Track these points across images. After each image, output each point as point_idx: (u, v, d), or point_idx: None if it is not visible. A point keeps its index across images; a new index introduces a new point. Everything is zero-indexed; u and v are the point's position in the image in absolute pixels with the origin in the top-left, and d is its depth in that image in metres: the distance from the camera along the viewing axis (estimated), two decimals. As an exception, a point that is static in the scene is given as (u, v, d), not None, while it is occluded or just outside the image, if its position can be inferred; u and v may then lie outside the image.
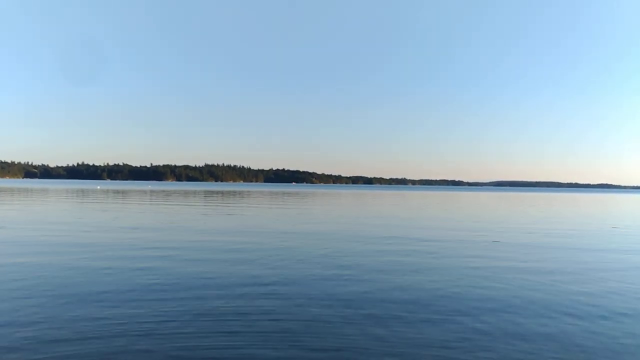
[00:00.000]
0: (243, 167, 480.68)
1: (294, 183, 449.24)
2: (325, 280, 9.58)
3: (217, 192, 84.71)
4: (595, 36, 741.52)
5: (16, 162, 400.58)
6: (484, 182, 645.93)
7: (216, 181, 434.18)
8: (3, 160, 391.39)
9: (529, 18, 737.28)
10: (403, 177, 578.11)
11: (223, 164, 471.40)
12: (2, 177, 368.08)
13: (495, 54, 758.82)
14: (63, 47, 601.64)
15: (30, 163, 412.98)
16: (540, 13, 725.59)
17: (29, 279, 9.37)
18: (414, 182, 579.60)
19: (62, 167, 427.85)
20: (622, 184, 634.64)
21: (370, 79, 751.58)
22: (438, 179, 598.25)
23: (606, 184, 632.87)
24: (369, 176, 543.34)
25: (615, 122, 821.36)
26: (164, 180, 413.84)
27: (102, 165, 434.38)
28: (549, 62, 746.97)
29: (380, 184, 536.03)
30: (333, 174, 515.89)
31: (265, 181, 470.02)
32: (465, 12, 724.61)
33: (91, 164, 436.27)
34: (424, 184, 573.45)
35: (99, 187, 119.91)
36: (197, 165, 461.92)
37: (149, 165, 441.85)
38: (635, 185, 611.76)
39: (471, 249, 14.83)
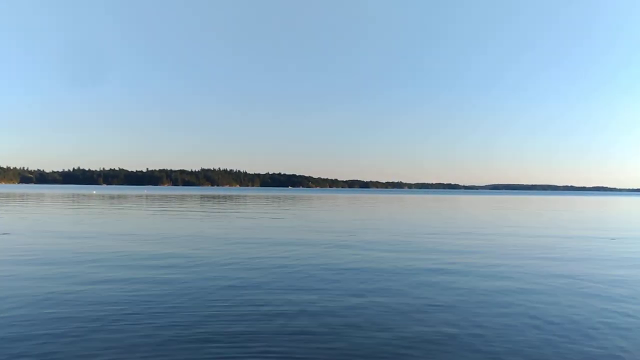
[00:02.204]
0: (239, 171, 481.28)
1: (290, 187, 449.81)
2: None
3: (212, 197, 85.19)
4: (601, 45, 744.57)
5: (11, 167, 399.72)
6: (480, 185, 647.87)
7: (212, 185, 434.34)
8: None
9: (536, 30, 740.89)
10: (399, 180, 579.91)
11: (219, 168, 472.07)
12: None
13: (502, 63, 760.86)
14: (59, 52, 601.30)
15: (25, 168, 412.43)
16: (546, 26, 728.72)
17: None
18: (410, 186, 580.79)
19: (57, 172, 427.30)
20: (618, 186, 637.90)
21: (366, 83, 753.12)
22: (434, 183, 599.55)
23: (601, 187, 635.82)
24: (365, 180, 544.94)
25: (604, 124, 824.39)
26: (159, 185, 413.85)
27: (97, 170, 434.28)
28: (554, 71, 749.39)
29: (377, 187, 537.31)
30: (329, 178, 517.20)
31: (261, 185, 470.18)
32: (468, 24, 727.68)
33: (87, 168, 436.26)
34: (420, 188, 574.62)
35: (94, 191, 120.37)
36: (193, 170, 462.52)
37: (144, 170, 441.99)
38: (630, 187, 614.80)
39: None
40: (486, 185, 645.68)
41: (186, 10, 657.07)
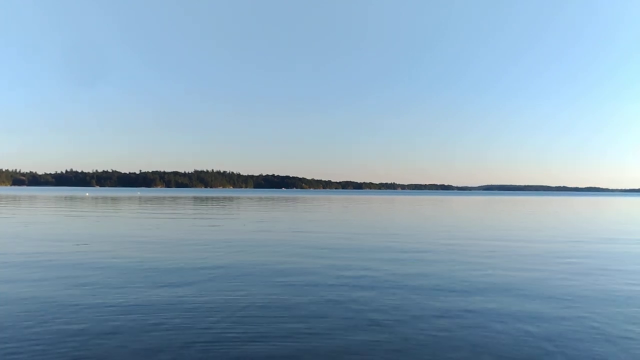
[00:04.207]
0: (233, 172, 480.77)
1: (283, 189, 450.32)
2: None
3: (204, 199, 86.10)
4: (595, 46, 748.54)
5: (4, 170, 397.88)
6: (473, 186, 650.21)
7: (206, 187, 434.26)
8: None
9: (531, 32, 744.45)
10: (392, 182, 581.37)
11: (212, 170, 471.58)
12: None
13: (497, 65, 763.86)
14: (52, 54, 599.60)
15: (18, 170, 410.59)
16: (542, 27, 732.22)
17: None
18: (403, 187, 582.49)
19: (50, 174, 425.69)
20: (610, 187, 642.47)
21: (360, 83, 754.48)
22: (427, 184, 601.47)
23: (595, 187, 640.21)
24: (358, 181, 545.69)
25: (597, 125, 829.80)
26: (153, 186, 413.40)
27: (90, 172, 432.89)
28: (548, 73, 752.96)
29: (370, 188, 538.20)
30: (323, 179, 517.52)
31: (255, 187, 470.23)
32: (464, 26, 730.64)
33: (79, 170, 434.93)
34: (413, 189, 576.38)
35: (87, 193, 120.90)
36: (187, 172, 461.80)
37: (137, 172, 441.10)
38: (622, 188, 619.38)
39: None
40: (479, 186, 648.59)
41: (180, 11, 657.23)
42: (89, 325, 6.94)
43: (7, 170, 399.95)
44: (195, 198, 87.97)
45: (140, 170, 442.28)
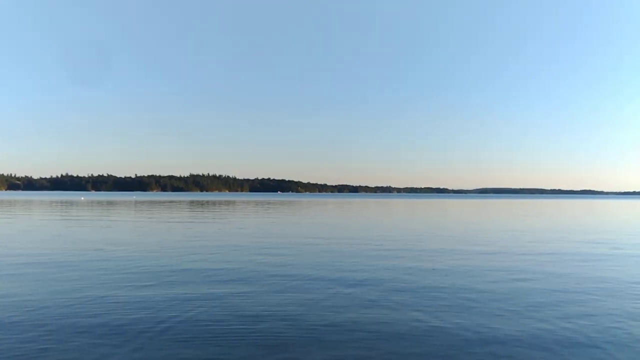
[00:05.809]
0: (228, 176, 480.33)
1: (279, 192, 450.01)
2: None
3: (198, 203, 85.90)
4: (589, 47, 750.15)
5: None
6: (468, 189, 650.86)
7: (201, 191, 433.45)
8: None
9: (525, 33, 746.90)
10: (388, 185, 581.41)
11: (208, 173, 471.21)
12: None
13: (492, 67, 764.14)
14: (47, 57, 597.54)
15: (13, 175, 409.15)
16: (536, 28, 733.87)
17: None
18: (399, 190, 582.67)
19: (45, 178, 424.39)
20: (605, 189, 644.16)
21: (356, 86, 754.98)
22: (423, 187, 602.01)
23: (589, 190, 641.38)
24: (354, 185, 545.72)
25: (592, 127, 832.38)
26: (148, 190, 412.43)
27: (86, 176, 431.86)
28: (543, 75, 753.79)
29: (366, 192, 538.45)
30: (319, 183, 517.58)
31: (250, 191, 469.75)
32: (458, 28, 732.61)
33: (75, 175, 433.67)
34: (409, 192, 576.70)
35: (82, 198, 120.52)
36: (182, 176, 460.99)
37: (133, 176, 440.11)
38: (616, 191, 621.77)
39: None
40: (474, 189, 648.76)
41: (177, 14, 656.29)
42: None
43: (2, 175, 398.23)
44: (191, 202, 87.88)
45: (136, 174, 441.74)
